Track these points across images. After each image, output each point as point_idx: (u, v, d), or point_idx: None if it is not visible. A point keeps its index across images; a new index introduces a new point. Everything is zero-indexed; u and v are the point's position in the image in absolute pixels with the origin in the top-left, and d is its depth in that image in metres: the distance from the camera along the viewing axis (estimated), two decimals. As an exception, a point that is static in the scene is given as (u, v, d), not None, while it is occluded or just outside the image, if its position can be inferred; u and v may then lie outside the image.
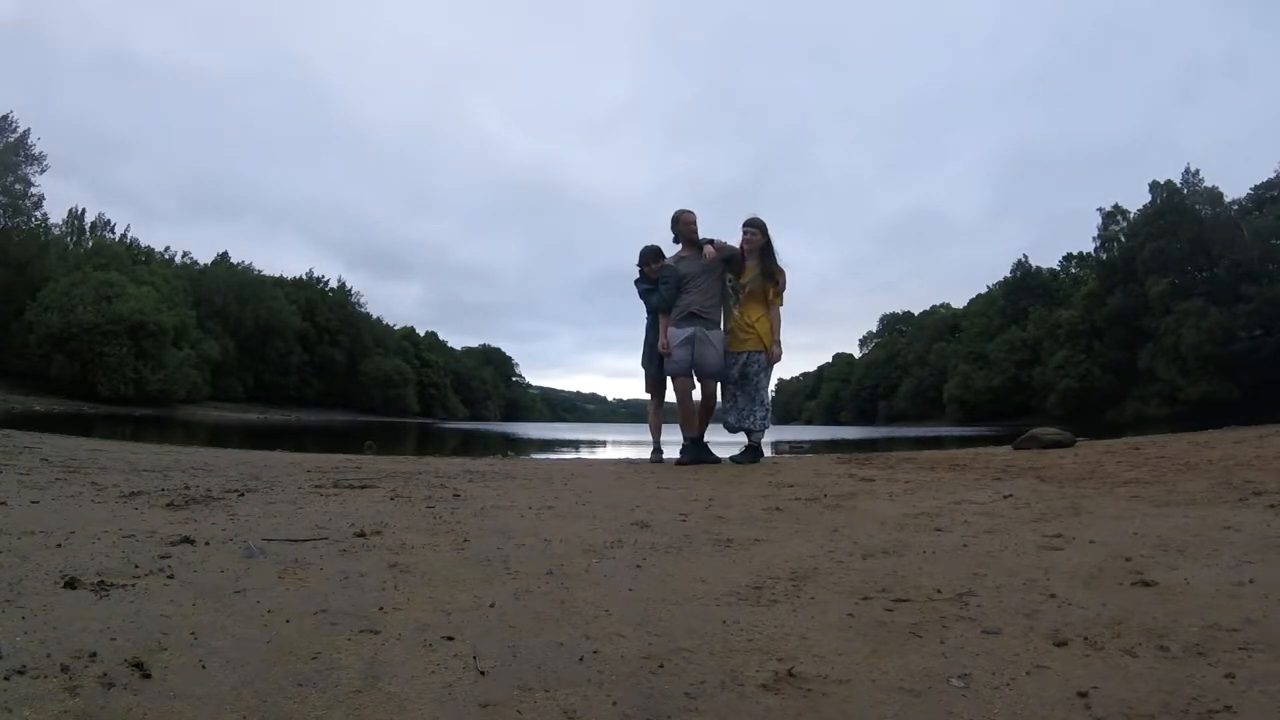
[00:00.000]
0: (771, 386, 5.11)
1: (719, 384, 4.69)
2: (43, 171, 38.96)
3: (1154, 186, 42.32)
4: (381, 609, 1.23)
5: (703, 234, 4.78)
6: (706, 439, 4.83)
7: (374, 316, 70.11)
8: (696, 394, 4.79)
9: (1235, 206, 39.51)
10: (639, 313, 5.02)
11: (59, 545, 1.62)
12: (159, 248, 52.96)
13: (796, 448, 11.79)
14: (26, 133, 37.98)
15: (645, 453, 5.42)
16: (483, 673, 0.96)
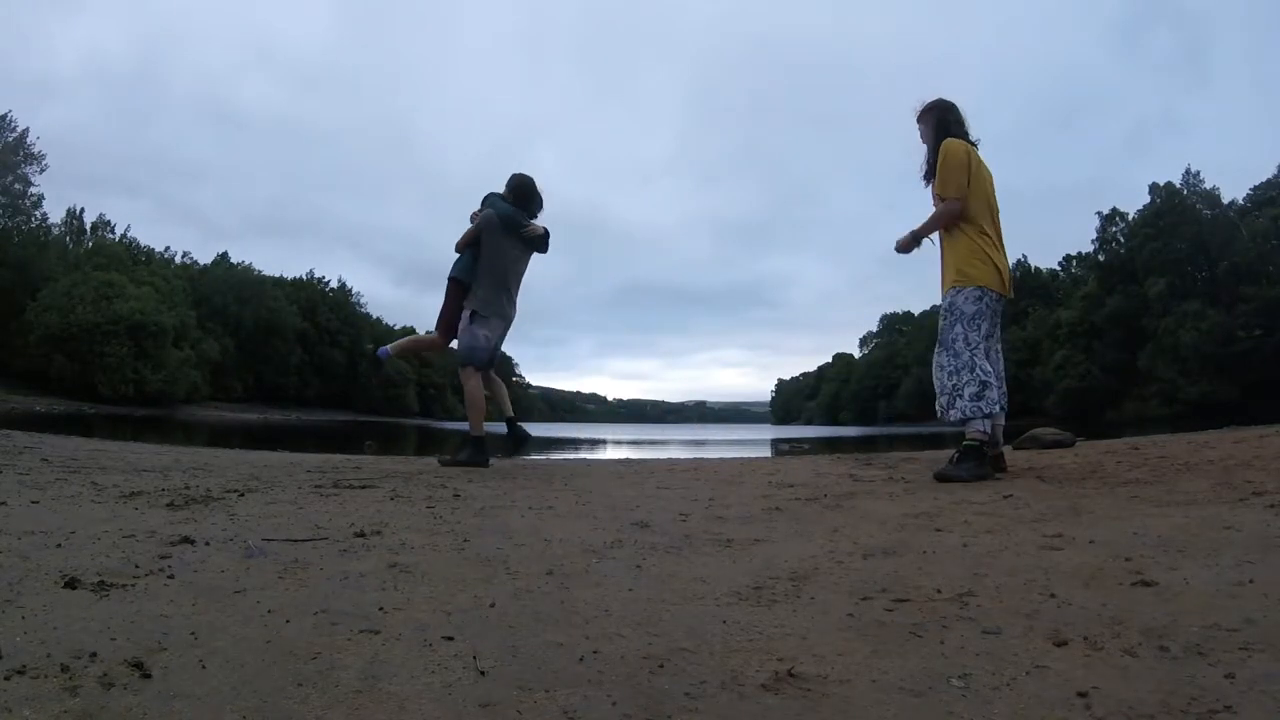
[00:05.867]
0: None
1: None
2: (42, 171, 38.98)
3: (1153, 188, 42.37)
4: (381, 609, 1.23)
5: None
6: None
7: (374, 317, 70.12)
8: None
9: (1232, 210, 39.61)
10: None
11: (59, 545, 1.62)
12: (158, 249, 52.98)
13: (796, 447, 11.79)
14: (25, 132, 38.00)
15: (646, 453, 5.34)
16: (483, 673, 0.96)
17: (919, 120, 3.46)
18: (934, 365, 3.29)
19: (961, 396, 3.11)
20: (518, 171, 4.34)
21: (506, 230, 4.14)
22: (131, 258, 45.63)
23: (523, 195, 4.24)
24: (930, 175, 3.38)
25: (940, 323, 3.31)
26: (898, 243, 3.41)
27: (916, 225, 3.38)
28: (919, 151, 3.47)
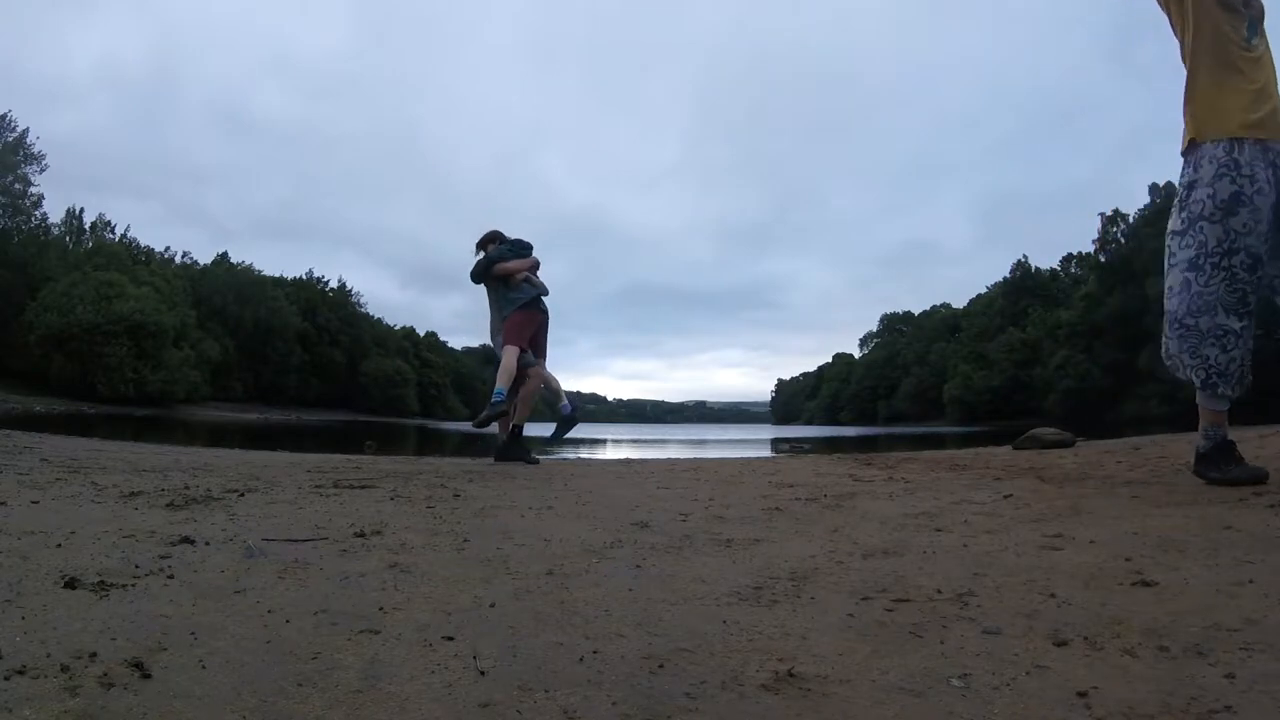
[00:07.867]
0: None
1: None
2: (42, 171, 39.01)
3: (1153, 188, 42.42)
4: (381, 609, 1.23)
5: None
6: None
7: (375, 317, 70.13)
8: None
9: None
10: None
11: (59, 545, 1.62)
12: (159, 249, 53.00)
13: (796, 447, 11.79)
14: (25, 132, 38.01)
15: (646, 452, 5.42)
16: (483, 673, 0.96)
17: None
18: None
19: None
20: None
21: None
22: (131, 258, 45.65)
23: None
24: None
25: None
26: None
27: None
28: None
